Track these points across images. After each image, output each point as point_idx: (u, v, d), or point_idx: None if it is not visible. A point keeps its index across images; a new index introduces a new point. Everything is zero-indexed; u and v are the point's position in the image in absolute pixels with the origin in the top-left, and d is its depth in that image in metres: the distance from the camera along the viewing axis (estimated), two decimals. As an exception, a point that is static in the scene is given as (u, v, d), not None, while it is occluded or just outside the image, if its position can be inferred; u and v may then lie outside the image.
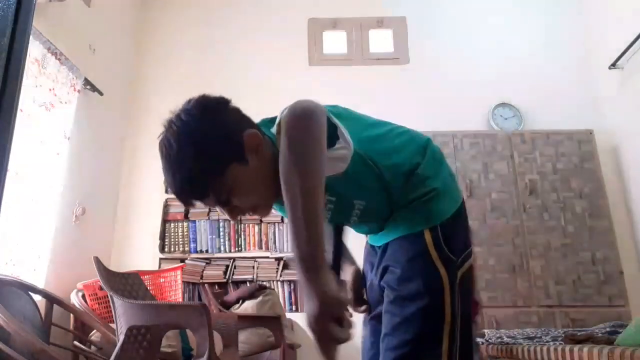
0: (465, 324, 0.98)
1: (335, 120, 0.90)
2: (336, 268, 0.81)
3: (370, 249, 1.16)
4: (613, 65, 3.60)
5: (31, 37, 2.41)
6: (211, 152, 0.87)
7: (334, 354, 0.71)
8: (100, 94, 3.28)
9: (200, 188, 0.88)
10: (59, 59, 2.76)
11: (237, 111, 0.97)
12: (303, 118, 0.78)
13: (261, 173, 0.91)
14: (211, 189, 0.88)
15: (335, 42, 4.09)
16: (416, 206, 0.99)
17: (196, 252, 3.58)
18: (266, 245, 3.59)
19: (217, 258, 3.55)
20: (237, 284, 3.48)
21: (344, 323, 0.72)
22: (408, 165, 1.00)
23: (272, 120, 0.96)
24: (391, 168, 0.98)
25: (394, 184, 0.98)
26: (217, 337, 2.18)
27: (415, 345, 0.92)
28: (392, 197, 0.99)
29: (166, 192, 3.68)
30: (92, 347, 2.49)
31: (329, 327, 0.69)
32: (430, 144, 1.06)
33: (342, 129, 0.91)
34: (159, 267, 3.46)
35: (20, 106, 0.95)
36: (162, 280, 3.00)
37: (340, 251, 0.88)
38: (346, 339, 0.71)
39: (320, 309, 0.69)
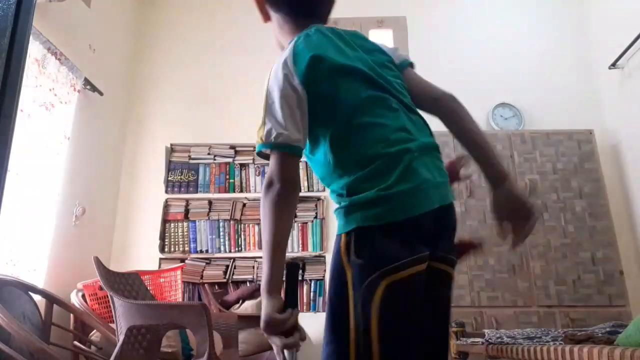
0: (393, 340, 0.90)
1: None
2: (292, 301, 0.98)
3: None
4: (613, 65, 3.60)
5: (31, 37, 2.41)
6: None
7: (282, 355, 0.95)
8: (100, 94, 3.28)
9: None
10: (59, 59, 2.76)
11: None
12: (267, 201, 0.98)
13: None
14: None
15: (335, 42, 4.08)
16: (341, 210, 1.01)
17: (196, 252, 3.58)
18: (266, 245, 3.59)
19: (217, 258, 3.55)
20: (237, 284, 3.48)
21: (293, 333, 0.95)
22: (347, 164, 1.01)
23: (319, 30, 1.16)
24: (335, 160, 1.02)
25: (333, 174, 1.04)
26: (217, 337, 2.19)
27: (325, 349, 0.97)
28: (331, 181, 1.06)
29: (166, 192, 3.69)
30: (92, 347, 2.49)
31: (274, 336, 0.93)
32: (394, 150, 0.99)
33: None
34: (159, 267, 3.46)
35: (20, 106, 0.95)
36: (162, 280, 3.00)
37: (294, 290, 1.02)
38: (290, 345, 0.94)
39: (264, 324, 0.94)
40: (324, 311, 3.33)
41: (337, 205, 1.04)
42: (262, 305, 0.95)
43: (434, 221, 0.98)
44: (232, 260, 3.54)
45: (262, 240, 0.99)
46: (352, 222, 0.97)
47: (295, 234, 3.61)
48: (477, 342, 2.24)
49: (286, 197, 0.98)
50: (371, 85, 1.08)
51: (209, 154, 3.78)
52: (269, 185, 0.98)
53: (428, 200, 0.97)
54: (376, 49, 1.21)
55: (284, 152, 0.98)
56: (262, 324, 0.94)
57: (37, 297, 2.42)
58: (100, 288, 2.61)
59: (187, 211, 3.66)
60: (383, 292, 0.91)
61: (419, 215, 0.95)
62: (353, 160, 1.01)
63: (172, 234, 3.61)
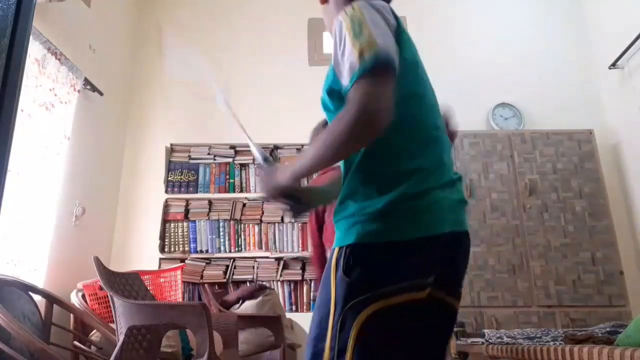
0: None
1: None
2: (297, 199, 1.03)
3: None
4: (613, 65, 3.60)
5: (31, 37, 2.40)
6: None
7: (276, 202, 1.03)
8: (100, 94, 3.28)
9: None
10: (59, 59, 2.76)
11: None
12: (349, 125, 0.82)
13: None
14: None
15: (335, 42, 4.08)
16: (343, 220, 0.93)
17: (196, 252, 3.58)
18: (266, 245, 3.59)
19: (217, 258, 3.55)
20: (237, 284, 3.48)
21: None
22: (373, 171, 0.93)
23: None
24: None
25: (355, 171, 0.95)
26: (217, 337, 2.18)
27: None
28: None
29: (166, 192, 3.69)
30: (92, 347, 2.49)
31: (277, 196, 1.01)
32: (422, 170, 0.91)
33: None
34: (159, 267, 3.46)
35: (20, 106, 0.95)
36: (162, 280, 3.00)
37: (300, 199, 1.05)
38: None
39: (273, 185, 0.99)
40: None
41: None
42: (282, 175, 0.98)
43: (442, 247, 0.89)
44: (232, 260, 3.54)
45: (320, 148, 0.87)
46: (350, 237, 0.89)
47: (295, 234, 3.61)
48: (477, 342, 2.24)
49: (373, 130, 0.81)
50: (431, 94, 1.10)
51: (209, 154, 3.78)
52: (365, 109, 0.79)
53: (440, 222, 0.89)
54: None
55: (389, 68, 0.84)
56: (269, 185, 1.00)
57: (37, 297, 2.42)
58: (100, 288, 2.61)
59: (187, 211, 3.66)
60: (367, 318, 0.84)
61: (427, 237, 0.87)
62: (387, 152, 0.91)
63: (172, 234, 3.61)
